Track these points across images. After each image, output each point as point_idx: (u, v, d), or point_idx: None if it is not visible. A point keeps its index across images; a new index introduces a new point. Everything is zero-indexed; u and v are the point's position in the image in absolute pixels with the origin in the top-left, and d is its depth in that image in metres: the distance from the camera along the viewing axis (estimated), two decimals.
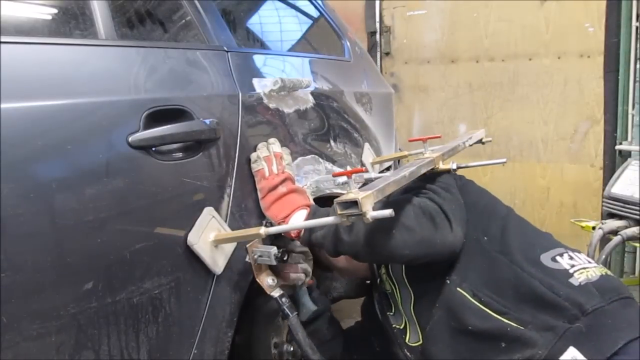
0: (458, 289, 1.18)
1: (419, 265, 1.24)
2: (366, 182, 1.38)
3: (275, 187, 1.24)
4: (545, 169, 3.18)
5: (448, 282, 1.20)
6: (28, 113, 0.86)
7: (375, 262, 1.42)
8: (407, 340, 1.35)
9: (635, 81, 2.80)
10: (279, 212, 1.23)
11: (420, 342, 1.29)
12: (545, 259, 1.16)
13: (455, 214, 1.20)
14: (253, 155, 1.26)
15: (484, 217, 1.27)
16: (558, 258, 1.16)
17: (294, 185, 1.28)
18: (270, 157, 1.26)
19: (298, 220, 1.20)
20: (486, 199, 1.36)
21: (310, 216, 1.19)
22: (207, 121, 1.14)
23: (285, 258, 1.21)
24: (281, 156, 1.29)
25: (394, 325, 1.40)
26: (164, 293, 1.04)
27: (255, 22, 1.76)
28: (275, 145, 1.29)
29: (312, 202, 1.28)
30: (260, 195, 1.26)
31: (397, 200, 1.21)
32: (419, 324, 1.30)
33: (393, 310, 1.42)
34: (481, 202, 1.33)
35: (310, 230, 1.17)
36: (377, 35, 3.51)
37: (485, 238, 1.22)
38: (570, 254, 1.18)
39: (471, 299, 1.15)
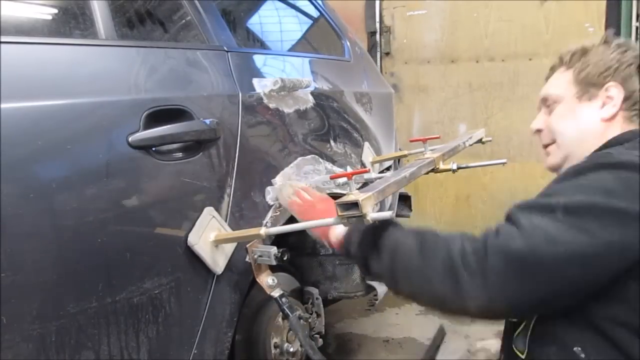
0: None
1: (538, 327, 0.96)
2: (366, 183, 1.38)
3: (311, 208, 1.20)
4: (546, 169, 3.19)
5: None
6: (28, 113, 0.86)
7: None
8: None
9: None
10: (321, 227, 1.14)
11: None
12: None
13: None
14: (282, 200, 1.27)
15: None
16: None
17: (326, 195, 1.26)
18: (299, 191, 1.24)
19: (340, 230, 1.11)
20: None
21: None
22: (207, 121, 1.14)
23: (285, 258, 1.21)
24: (306, 188, 1.27)
25: None
26: (164, 293, 1.04)
27: (255, 22, 1.76)
28: (293, 182, 1.29)
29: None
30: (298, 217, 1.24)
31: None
32: None
33: None
34: None
35: (348, 244, 1.05)
36: (377, 35, 3.51)
37: None
38: None
39: None
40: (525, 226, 0.81)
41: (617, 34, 2.79)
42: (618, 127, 1.03)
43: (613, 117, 1.03)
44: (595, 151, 1.00)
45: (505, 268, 0.80)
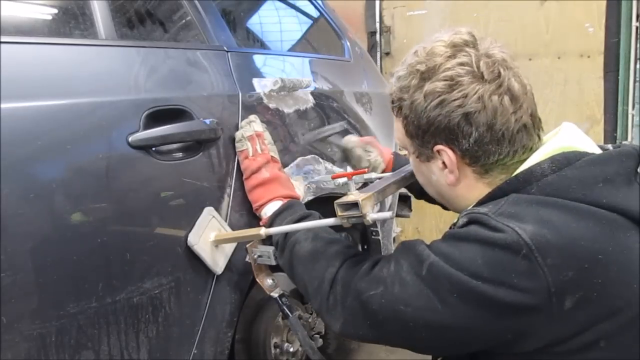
0: None
1: None
2: (366, 183, 1.38)
3: (258, 170, 1.20)
4: None
5: None
6: (28, 113, 0.86)
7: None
8: None
9: (635, 81, 2.79)
10: (258, 198, 1.20)
11: None
12: None
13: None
14: (237, 134, 1.22)
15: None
16: None
17: (278, 171, 1.24)
18: (253, 136, 1.22)
19: (270, 210, 1.16)
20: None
21: (282, 208, 1.14)
22: (207, 121, 1.14)
23: None
24: (263, 135, 1.24)
25: None
26: (164, 293, 1.04)
27: (255, 22, 1.76)
28: (256, 123, 1.24)
29: (295, 192, 1.24)
30: (244, 176, 1.23)
31: None
32: None
33: None
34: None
35: (269, 227, 1.11)
36: (377, 35, 3.51)
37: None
38: None
39: None
40: (392, 275, 0.82)
41: (617, 34, 2.80)
42: (476, 187, 0.87)
43: (458, 181, 0.87)
44: (474, 206, 0.85)
45: (360, 312, 0.85)
